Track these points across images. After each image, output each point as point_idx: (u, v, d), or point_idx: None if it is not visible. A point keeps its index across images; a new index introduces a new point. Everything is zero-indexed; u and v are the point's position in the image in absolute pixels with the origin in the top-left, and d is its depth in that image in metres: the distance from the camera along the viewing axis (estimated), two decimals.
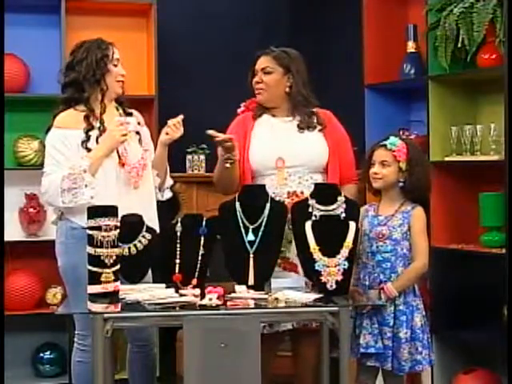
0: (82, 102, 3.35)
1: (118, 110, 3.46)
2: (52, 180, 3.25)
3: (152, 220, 3.34)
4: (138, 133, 3.44)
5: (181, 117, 3.40)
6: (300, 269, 3.21)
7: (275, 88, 3.45)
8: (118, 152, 3.32)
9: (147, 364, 3.52)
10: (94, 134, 3.33)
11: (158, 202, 3.53)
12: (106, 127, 3.33)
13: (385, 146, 3.27)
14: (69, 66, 3.41)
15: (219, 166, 3.40)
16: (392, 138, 3.28)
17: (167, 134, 3.39)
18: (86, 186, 3.21)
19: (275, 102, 3.47)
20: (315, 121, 3.44)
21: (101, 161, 3.27)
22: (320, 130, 3.43)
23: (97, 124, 3.34)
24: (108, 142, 3.28)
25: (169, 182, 3.57)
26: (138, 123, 3.45)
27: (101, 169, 3.27)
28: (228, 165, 3.31)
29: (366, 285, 3.23)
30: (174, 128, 3.39)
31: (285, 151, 3.35)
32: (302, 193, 3.32)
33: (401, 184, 3.25)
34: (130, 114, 3.47)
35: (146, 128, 3.59)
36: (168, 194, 3.57)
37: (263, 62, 3.46)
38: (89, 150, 3.30)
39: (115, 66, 3.39)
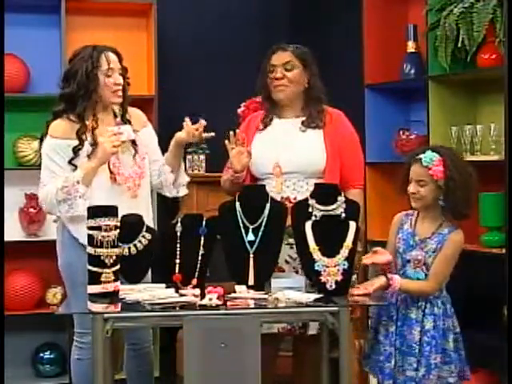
0: (75, 114, 3.29)
1: (116, 116, 3.40)
2: (47, 191, 3.24)
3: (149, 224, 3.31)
4: (133, 141, 3.37)
5: (203, 123, 3.35)
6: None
7: (297, 84, 3.38)
8: (108, 164, 3.28)
9: (143, 363, 3.52)
10: (84, 149, 3.28)
11: (168, 200, 3.51)
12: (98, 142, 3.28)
13: (420, 161, 3.05)
14: (64, 78, 3.36)
15: (228, 179, 3.38)
16: (428, 153, 3.04)
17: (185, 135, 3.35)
18: (79, 197, 3.19)
19: (293, 99, 3.41)
20: (321, 118, 3.37)
21: (94, 172, 3.23)
22: (320, 128, 3.36)
23: (88, 139, 3.29)
24: (99, 154, 3.23)
25: (184, 178, 3.53)
26: (134, 130, 3.36)
27: (94, 180, 3.25)
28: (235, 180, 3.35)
29: (396, 305, 3.12)
30: (194, 133, 3.34)
31: (281, 157, 3.32)
32: (295, 198, 3.29)
33: (441, 203, 3.07)
34: (126, 122, 3.40)
35: (149, 125, 3.54)
36: (184, 191, 3.53)
37: (284, 57, 3.38)
38: (75, 166, 3.25)
39: (109, 76, 3.29)
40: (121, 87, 3.34)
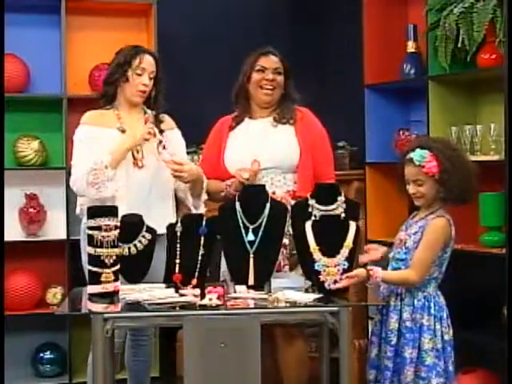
0: (107, 101, 3.47)
1: (145, 113, 3.51)
2: (77, 174, 3.34)
3: (163, 219, 3.35)
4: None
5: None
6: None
7: (281, 88, 3.50)
8: (132, 151, 3.37)
9: (140, 354, 3.56)
10: (112, 133, 3.39)
11: None
12: (125, 128, 3.41)
13: (412, 161, 3.02)
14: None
15: (225, 193, 3.44)
16: (418, 152, 3.02)
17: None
18: (107, 180, 3.26)
19: (274, 103, 3.51)
20: (292, 115, 3.47)
21: (123, 156, 3.32)
22: (291, 124, 3.46)
23: (116, 124, 3.42)
24: (132, 138, 3.35)
25: (204, 196, 3.53)
26: (161, 130, 3.47)
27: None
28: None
29: (382, 292, 3.12)
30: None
31: (259, 153, 3.39)
32: (273, 193, 3.34)
33: (441, 195, 3.03)
34: (158, 120, 3.52)
35: (178, 130, 3.61)
36: (202, 209, 3.54)
37: (275, 62, 3.49)
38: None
39: (138, 75, 3.41)
40: (146, 88, 3.44)
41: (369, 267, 3.00)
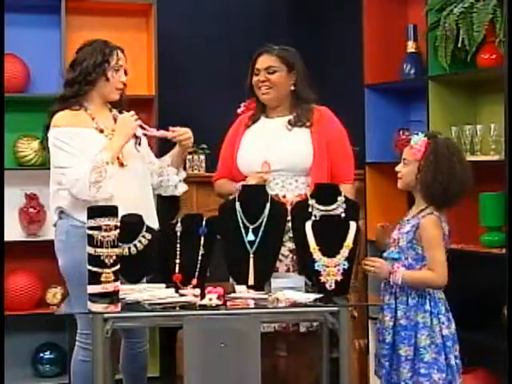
0: (77, 102, 3.37)
1: (111, 111, 3.46)
2: (78, 173, 3.22)
3: (152, 216, 3.37)
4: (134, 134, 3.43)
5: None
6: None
7: (281, 86, 3.44)
8: None
9: (138, 360, 3.54)
10: (90, 132, 3.34)
11: (168, 200, 3.60)
12: (102, 127, 3.36)
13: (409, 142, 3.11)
14: (71, 65, 3.43)
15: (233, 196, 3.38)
16: (419, 135, 3.09)
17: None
18: (108, 178, 3.22)
19: (280, 101, 3.47)
20: (309, 118, 3.42)
21: (120, 151, 3.30)
22: (307, 127, 3.41)
23: (92, 124, 3.36)
24: (124, 130, 3.31)
25: (182, 174, 3.56)
26: None
27: None
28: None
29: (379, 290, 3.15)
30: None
31: (269, 155, 3.37)
32: (284, 196, 3.34)
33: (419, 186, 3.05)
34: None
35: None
36: (183, 187, 3.57)
37: (266, 61, 3.44)
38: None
39: (116, 71, 3.38)
40: (123, 86, 3.43)
41: (396, 267, 3.02)
